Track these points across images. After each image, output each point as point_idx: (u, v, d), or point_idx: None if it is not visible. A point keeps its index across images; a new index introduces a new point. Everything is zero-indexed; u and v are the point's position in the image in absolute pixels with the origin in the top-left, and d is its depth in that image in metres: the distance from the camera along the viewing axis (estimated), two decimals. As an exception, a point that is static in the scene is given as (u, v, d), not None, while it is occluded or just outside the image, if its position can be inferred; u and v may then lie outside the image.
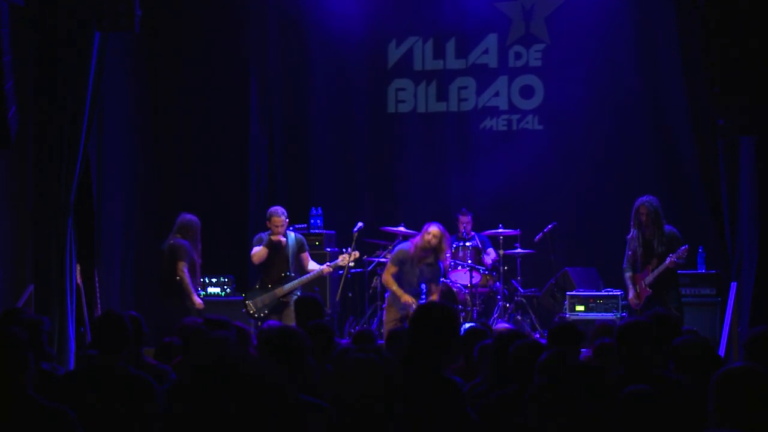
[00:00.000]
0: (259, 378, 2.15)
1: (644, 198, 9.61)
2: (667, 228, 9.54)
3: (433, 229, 9.80)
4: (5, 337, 3.87)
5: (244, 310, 10.21)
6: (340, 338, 10.76)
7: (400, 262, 9.94)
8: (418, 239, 9.93)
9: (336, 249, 11.62)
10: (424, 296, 9.93)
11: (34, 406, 3.84)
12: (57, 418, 3.86)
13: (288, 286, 10.11)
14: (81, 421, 4.12)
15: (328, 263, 10.41)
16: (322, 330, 5.78)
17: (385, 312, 10.38)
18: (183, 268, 9.95)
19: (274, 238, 10.08)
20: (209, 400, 2.12)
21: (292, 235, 10.34)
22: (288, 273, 10.18)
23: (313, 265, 10.29)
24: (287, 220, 10.24)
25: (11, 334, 3.91)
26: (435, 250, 9.82)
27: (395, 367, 3.47)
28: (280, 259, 10.18)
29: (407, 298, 9.73)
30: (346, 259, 10.35)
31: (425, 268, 9.92)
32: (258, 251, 10.15)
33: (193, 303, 9.92)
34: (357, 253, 10.47)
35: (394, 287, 9.86)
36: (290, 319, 9.29)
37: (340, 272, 11.40)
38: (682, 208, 11.59)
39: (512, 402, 4.50)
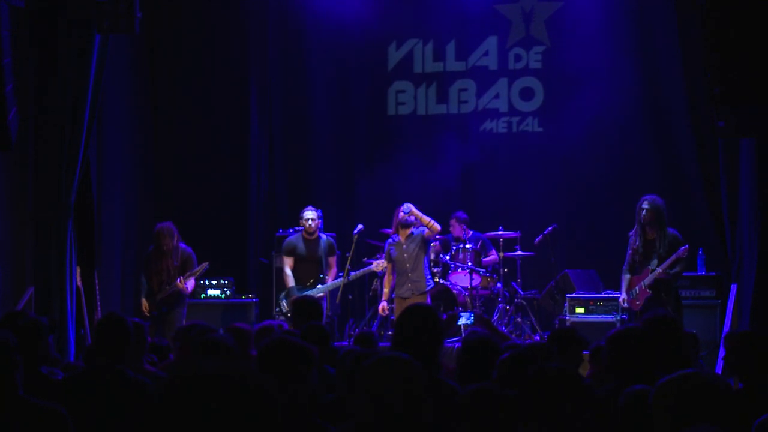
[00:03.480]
0: (245, 387, 2.14)
1: (648, 196, 9.57)
2: (670, 231, 9.48)
3: (406, 207, 10.40)
4: None
5: (276, 309, 10.32)
6: (341, 340, 10.82)
7: (390, 258, 10.45)
8: (395, 223, 10.49)
9: (337, 252, 11.59)
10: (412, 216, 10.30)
11: (26, 406, 3.85)
12: (48, 416, 3.86)
13: (323, 287, 10.33)
14: (79, 423, 4.11)
15: (363, 269, 10.58)
16: (319, 331, 5.77)
17: (396, 308, 10.63)
18: (143, 279, 10.25)
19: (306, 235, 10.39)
20: (191, 411, 2.11)
21: (324, 237, 10.52)
22: (322, 275, 10.37)
23: (334, 273, 10.51)
24: (316, 220, 10.46)
25: (1, 338, 3.92)
26: (412, 223, 10.36)
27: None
28: (312, 261, 10.37)
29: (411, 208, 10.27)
30: (380, 265, 10.46)
31: (410, 244, 10.34)
32: (287, 271, 10.45)
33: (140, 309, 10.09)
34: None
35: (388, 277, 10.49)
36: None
37: (340, 275, 11.40)
38: (682, 210, 11.57)
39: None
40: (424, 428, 3.22)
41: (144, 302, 10.09)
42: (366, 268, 10.54)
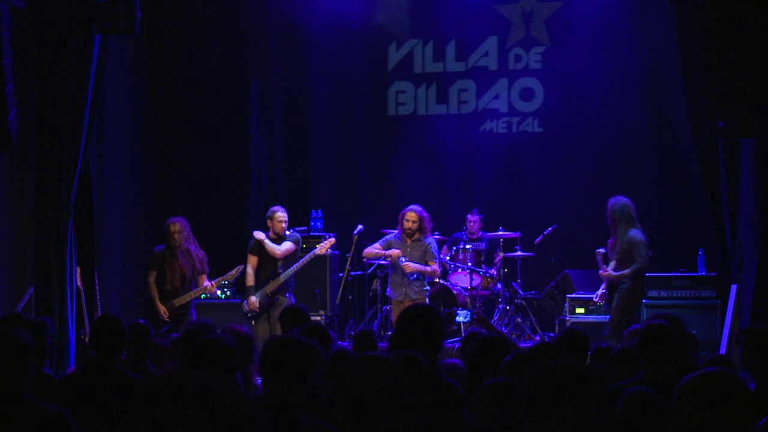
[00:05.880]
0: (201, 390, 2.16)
1: (612, 198, 9.72)
2: (631, 233, 9.55)
3: (410, 215, 10.51)
4: (10, 341, 3.85)
5: (243, 311, 10.22)
6: (341, 340, 10.82)
7: (389, 248, 10.62)
8: (399, 228, 10.61)
9: (337, 252, 11.60)
10: (414, 276, 10.49)
11: (31, 409, 3.83)
12: (53, 419, 3.85)
13: (274, 281, 10.10)
14: (79, 422, 4.11)
15: (307, 255, 10.31)
16: (318, 331, 5.76)
17: (391, 310, 10.73)
18: (148, 279, 9.95)
19: (257, 236, 10.15)
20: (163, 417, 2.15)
21: (288, 233, 10.34)
22: (278, 271, 10.16)
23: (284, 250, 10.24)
24: (287, 221, 10.25)
25: (17, 338, 3.89)
26: (418, 230, 10.49)
27: (401, 365, 3.46)
28: (271, 260, 10.17)
29: (392, 253, 10.51)
30: (324, 247, 10.42)
31: (414, 251, 10.50)
32: (248, 270, 10.20)
33: (157, 311, 9.73)
34: (333, 240, 10.61)
35: (374, 252, 10.70)
36: (276, 318, 9.26)
37: (340, 275, 11.41)
38: (682, 210, 11.60)
39: None
40: (404, 428, 3.23)
41: (162, 308, 9.73)
42: (311, 253, 10.29)
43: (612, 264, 9.73)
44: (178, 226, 9.86)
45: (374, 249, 10.71)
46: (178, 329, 9.28)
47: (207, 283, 9.87)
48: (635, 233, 9.55)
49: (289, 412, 3.76)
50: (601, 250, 10.01)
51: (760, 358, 4.99)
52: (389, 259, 10.60)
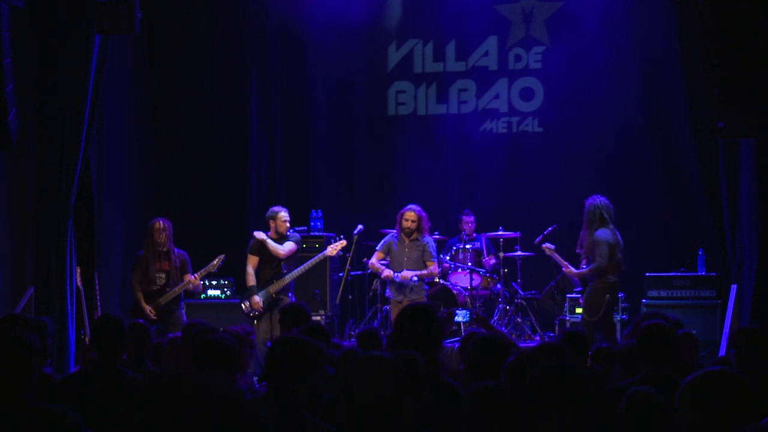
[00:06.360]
0: (203, 388, 2.17)
1: (589, 198, 9.70)
2: (597, 232, 9.52)
3: (409, 215, 10.47)
4: (16, 342, 3.84)
5: (243, 311, 10.20)
6: (341, 340, 10.82)
7: (388, 250, 10.59)
8: (397, 228, 10.57)
9: (338, 252, 11.60)
10: (415, 278, 10.42)
11: (37, 410, 3.81)
12: (55, 419, 3.84)
13: (279, 281, 10.07)
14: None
15: (317, 255, 10.34)
16: (318, 332, 5.75)
17: (391, 310, 10.69)
18: (132, 281, 9.93)
19: (258, 236, 10.11)
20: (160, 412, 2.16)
21: (289, 233, 10.32)
22: (281, 271, 10.15)
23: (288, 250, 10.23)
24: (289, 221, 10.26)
25: (22, 339, 3.87)
26: (417, 230, 10.46)
27: (402, 365, 3.46)
28: (274, 260, 10.13)
29: (387, 273, 10.47)
30: (335, 249, 10.42)
31: (413, 251, 10.46)
32: (249, 270, 10.17)
33: (144, 313, 9.68)
34: (344, 242, 10.58)
35: (377, 267, 10.60)
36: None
37: (340, 275, 11.41)
38: (682, 210, 11.60)
39: None
40: (404, 428, 3.23)
41: (148, 308, 9.68)
42: (320, 254, 10.33)
43: (583, 263, 9.68)
44: (162, 224, 9.84)
45: (375, 262, 10.64)
46: (168, 328, 9.32)
47: (191, 277, 9.83)
48: (600, 233, 9.50)
49: (292, 411, 3.76)
50: (550, 246, 10.09)
51: (756, 358, 4.99)
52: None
